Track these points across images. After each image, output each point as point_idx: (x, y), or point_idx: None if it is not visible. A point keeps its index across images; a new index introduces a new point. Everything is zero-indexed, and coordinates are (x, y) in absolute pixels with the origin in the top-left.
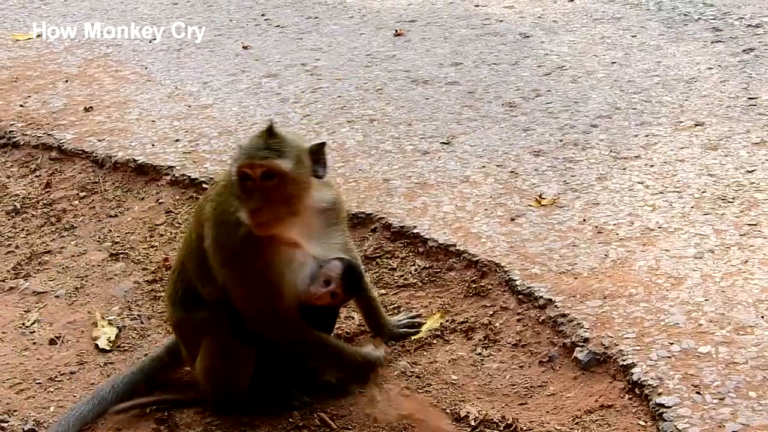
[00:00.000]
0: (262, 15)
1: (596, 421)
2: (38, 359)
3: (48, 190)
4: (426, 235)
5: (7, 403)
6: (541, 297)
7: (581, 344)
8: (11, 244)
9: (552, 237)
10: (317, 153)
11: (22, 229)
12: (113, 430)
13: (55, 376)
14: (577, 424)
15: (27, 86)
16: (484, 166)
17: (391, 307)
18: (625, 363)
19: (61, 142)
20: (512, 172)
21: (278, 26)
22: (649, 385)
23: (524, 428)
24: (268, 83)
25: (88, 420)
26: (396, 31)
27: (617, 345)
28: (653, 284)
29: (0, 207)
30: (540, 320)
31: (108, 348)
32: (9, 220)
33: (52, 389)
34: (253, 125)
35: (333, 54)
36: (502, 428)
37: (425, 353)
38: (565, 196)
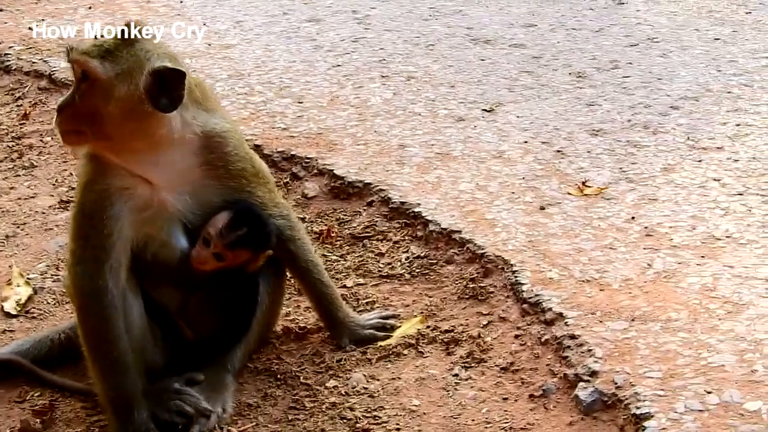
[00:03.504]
0: None
1: None
2: None
3: (24, 122)
4: (428, 216)
5: None
6: (550, 309)
7: (587, 378)
8: None
9: (585, 234)
10: (164, 78)
11: None
12: None
13: None
14: None
15: (46, 9)
16: (526, 142)
17: (365, 301)
18: (639, 412)
19: (54, 70)
20: (558, 151)
21: None
22: None
23: None
24: (307, 28)
25: None
26: None
27: (634, 385)
28: (702, 309)
29: None
30: (543, 340)
31: (14, 312)
32: None
33: None
34: (271, 71)
35: (393, 3)
36: None
37: (389, 366)
38: (617, 187)
